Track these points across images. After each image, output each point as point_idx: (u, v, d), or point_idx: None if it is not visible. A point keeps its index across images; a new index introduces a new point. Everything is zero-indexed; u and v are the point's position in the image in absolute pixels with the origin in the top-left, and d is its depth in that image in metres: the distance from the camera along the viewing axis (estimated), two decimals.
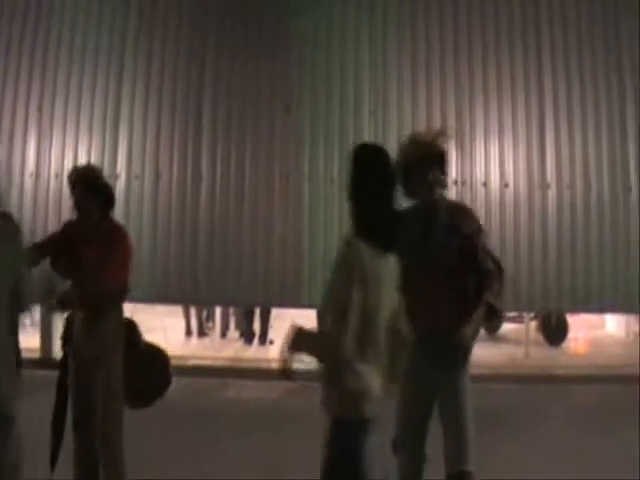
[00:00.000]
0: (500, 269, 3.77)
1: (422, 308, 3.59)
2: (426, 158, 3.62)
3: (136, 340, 4.90)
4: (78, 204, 4.68)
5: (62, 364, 4.58)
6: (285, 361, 2.89)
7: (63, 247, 4.70)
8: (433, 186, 3.63)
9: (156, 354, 5.12)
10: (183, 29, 8.43)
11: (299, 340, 2.91)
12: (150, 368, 5.00)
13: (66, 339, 4.84)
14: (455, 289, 3.57)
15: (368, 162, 2.97)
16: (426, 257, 3.58)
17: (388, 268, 2.97)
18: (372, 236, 2.89)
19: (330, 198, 8.00)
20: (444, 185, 3.68)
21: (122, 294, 4.72)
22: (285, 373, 2.89)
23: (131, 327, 4.94)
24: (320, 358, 2.91)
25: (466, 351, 3.49)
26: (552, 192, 8.15)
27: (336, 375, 2.88)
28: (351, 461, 2.88)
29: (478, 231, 3.64)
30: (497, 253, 7.67)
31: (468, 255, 3.55)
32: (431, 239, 3.59)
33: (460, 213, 3.69)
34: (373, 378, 2.92)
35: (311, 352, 2.90)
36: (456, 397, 3.55)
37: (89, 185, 4.75)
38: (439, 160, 3.66)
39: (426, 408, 3.64)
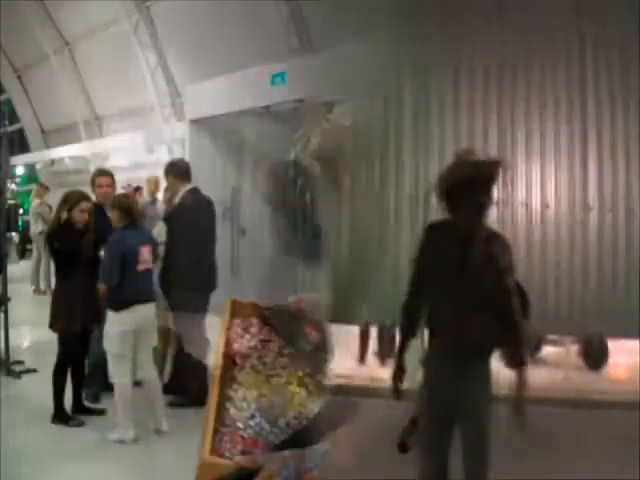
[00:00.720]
0: (526, 302, 3.76)
1: (451, 324, 3.58)
2: (470, 178, 3.51)
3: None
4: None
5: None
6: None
7: None
8: (473, 208, 3.53)
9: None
10: None
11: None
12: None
13: None
14: (486, 310, 3.54)
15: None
16: (460, 280, 3.54)
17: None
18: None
19: None
20: (484, 210, 3.58)
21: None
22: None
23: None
24: None
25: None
26: (594, 214, 8.05)
27: None
28: None
29: (510, 266, 3.57)
30: (537, 275, 7.72)
31: (499, 292, 3.51)
32: (467, 265, 3.52)
33: (497, 242, 3.61)
34: None
35: None
36: (478, 412, 3.51)
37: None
38: (485, 182, 3.53)
39: (448, 420, 3.61)
